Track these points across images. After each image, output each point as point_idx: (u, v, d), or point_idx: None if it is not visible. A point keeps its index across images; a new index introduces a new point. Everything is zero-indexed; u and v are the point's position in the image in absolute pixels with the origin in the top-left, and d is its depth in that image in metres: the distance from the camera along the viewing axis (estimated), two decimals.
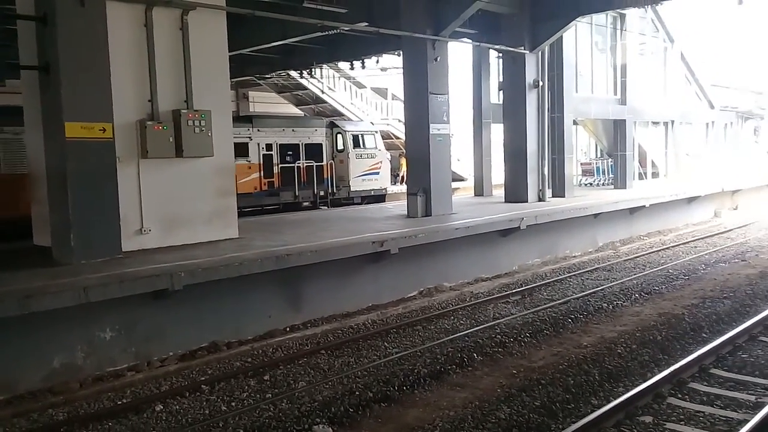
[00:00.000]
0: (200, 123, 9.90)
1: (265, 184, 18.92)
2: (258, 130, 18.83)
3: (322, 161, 20.06)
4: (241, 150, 17.00)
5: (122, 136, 9.17)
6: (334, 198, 20.09)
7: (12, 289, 6.92)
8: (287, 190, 19.23)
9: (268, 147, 19.01)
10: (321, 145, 20.21)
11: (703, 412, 5.96)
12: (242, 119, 19.34)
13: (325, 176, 20.02)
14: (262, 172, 18.80)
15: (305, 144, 19.86)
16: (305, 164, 19.49)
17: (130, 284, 7.43)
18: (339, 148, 20.68)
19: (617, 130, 20.94)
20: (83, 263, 8.38)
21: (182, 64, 9.89)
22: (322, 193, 19.84)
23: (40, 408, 6.47)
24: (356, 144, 20.80)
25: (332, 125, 20.87)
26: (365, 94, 29.46)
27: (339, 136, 20.72)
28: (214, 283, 8.15)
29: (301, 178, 19.40)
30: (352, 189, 20.61)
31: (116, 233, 8.91)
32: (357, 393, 6.67)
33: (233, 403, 6.55)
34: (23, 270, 8.07)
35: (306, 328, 9.13)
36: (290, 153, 19.45)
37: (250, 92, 29.00)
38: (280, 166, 19.20)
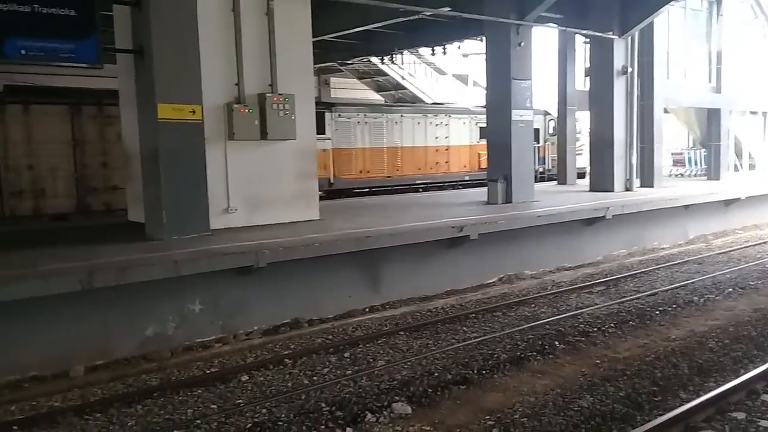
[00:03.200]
0: (284, 107, 10.10)
1: None
2: None
3: None
4: None
5: (211, 118, 9.45)
6: None
7: (109, 261, 7.29)
8: None
9: None
10: None
11: None
12: None
13: None
14: None
15: None
16: None
17: (218, 260, 7.68)
18: None
19: (711, 119, 19.94)
20: (174, 239, 8.71)
21: (267, 48, 10.11)
22: None
23: (135, 373, 6.80)
24: None
25: None
26: (446, 80, 29.24)
27: None
28: (296, 262, 8.31)
29: None
30: None
31: (205, 211, 9.22)
32: (436, 374, 6.66)
33: (315, 378, 6.68)
34: (118, 244, 8.47)
35: (385, 309, 9.19)
36: None
37: (331, 78, 29.31)
38: None
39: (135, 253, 7.82)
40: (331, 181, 18.66)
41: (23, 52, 7.97)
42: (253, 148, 10.10)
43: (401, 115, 20.71)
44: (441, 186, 20.65)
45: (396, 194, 17.55)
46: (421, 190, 20.14)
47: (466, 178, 21.78)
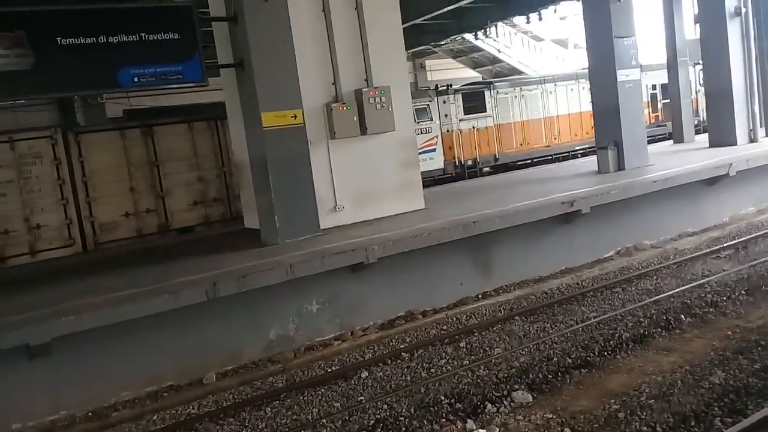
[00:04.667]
0: (381, 99, 10.19)
1: None
2: None
3: None
4: None
5: (312, 120, 9.69)
6: None
7: (230, 270, 7.71)
8: None
9: None
10: None
11: None
12: None
13: None
14: None
15: None
16: None
17: (330, 259, 7.92)
18: None
19: None
20: (288, 242, 9.06)
21: (359, 43, 10.21)
22: None
23: (262, 376, 7.18)
24: None
25: None
26: (544, 47, 28.29)
27: None
28: (406, 254, 8.41)
29: None
30: None
31: (314, 212, 9.51)
32: (555, 359, 6.56)
33: (432, 370, 6.77)
34: (237, 252, 8.92)
35: (498, 295, 9.12)
36: None
37: (426, 61, 29.18)
38: None
39: (253, 259, 8.22)
40: (497, 156, 19.02)
41: (136, 79, 8.54)
42: (355, 145, 10.28)
43: (554, 84, 20.59)
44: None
45: (516, 171, 17.45)
46: (579, 155, 19.98)
47: None
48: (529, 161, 19.69)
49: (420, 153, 16.25)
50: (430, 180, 17.04)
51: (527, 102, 19.89)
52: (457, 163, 18.15)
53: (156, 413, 6.55)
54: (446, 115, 18.04)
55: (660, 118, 22.07)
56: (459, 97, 18.32)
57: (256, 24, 9.00)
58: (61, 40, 7.98)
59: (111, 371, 6.87)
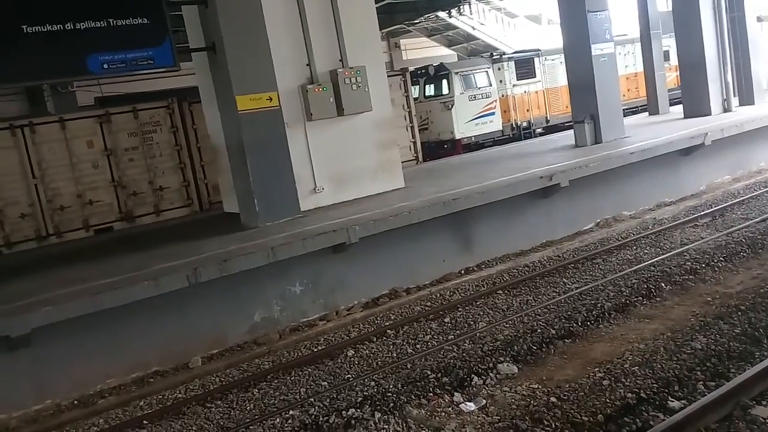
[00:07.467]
0: (356, 80, 10.12)
1: None
2: None
3: None
4: None
5: (288, 102, 9.61)
6: None
7: (211, 255, 7.65)
8: None
9: None
10: None
11: None
12: None
13: None
14: None
15: None
16: None
17: (312, 241, 7.88)
18: None
19: None
20: (268, 225, 9.01)
21: (333, 23, 10.11)
22: None
23: (248, 358, 7.16)
24: None
25: None
26: (518, 24, 28.21)
27: None
28: (388, 233, 8.40)
29: None
30: None
31: (294, 194, 9.45)
32: (539, 331, 6.62)
33: (418, 346, 6.80)
34: (217, 236, 8.86)
35: (481, 270, 9.16)
36: None
37: (401, 40, 28.98)
38: None
39: (234, 243, 8.16)
40: (548, 118, 19.80)
41: (105, 66, 8.38)
42: (332, 126, 10.21)
43: None
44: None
45: (490, 148, 17.65)
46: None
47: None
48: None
49: (481, 116, 18.05)
50: (490, 141, 18.31)
51: None
52: (513, 125, 19.05)
53: (143, 399, 6.52)
54: (501, 81, 18.94)
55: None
56: (512, 64, 19.23)
57: (226, 6, 8.86)
58: (27, 28, 7.79)
59: (96, 359, 6.81)
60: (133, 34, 8.42)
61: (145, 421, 6.00)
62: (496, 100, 18.60)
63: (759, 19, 17.13)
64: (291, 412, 5.67)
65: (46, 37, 7.91)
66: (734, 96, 15.12)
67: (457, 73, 18.13)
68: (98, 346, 6.83)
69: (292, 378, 6.45)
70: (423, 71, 18.87)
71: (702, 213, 10.34)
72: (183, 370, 7.08)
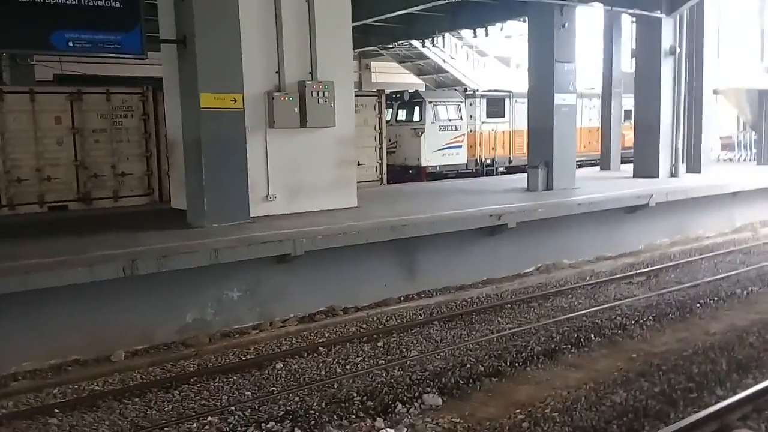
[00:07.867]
0: (324, 94, 10.16)
1: None
2: None
3: None
4: None
5: (252, 106, 9.57)
6: None
7: (151, 249, 7.51)
8: None
9: None
10: None
11: None
12: None
13: None
14: None
15: None
16: None
17: (257, 248, 7.83)
18: None
19: (763, 100, 19.17)
20: (215, 226, 8.90)
21: (308, 36, 10.15)
22: None
23: (173, 359, 7.01)
24: None
25: None
26: (488, 63, 28.79)
27: None
28: (334, 250, 8.41)
29: None
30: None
31: (245, 199, 9.38)
32: (468, 366, 6.69)
33: (348, 366, 6.78)
34: (161, 231, 8.71)
35: (420, 298, 9.24)
36: None
37: (372, 62, 29.19)
38: None
39: (177, 240, 8.04)
40: (510, 159, 20.35)
41: (70, 44, 8.20)
42: (293, 136, 10.21)
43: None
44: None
45: (447, 180, 17.95)
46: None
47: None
48: None
49: (448, 148, 18.41)
50: (454, 172, 18.80)
51: None
52: (478, 161, 19.47)
53: (57, 387, 6.31)
54: (471, 116, 19.39)
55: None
56: (484, 101, 19.85)
57: (202, 1, 8.80)
58: None
59: (15, 339, 6.58)
60: (104, 16, 8.26)
61: (56, 410, 5.81)
62: (464, 134, 19.03)
63: (715, 92, 17.97)
64: (209, 419, 5.58)
65: (14, 7, 7.73)
66: (682, 162, 15.74)
67: (431, 102, 18.45)
68: (20, 327, 6.61)
69: (216, 384, 6.35)
70: (398, 96, 19.12)
71: (638, 271, 10.66)
72: (104, 362, 6.90)
